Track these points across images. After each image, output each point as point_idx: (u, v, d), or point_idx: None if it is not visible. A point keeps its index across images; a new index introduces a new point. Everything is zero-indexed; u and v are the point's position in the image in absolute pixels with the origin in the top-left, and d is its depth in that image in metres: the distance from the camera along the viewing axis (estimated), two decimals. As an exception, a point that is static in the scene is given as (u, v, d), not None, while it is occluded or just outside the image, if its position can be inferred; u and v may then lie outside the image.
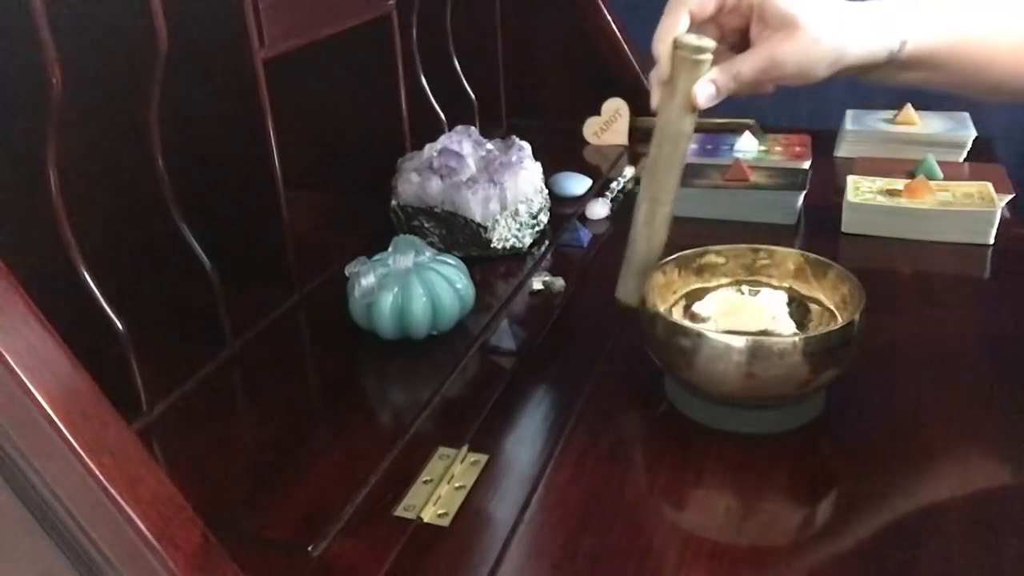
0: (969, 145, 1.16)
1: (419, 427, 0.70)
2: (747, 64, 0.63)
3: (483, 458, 0.66)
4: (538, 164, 1.02)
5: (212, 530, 0.50)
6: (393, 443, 0.67)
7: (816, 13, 0.61)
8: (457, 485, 0.63)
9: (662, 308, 0.71)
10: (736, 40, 0.66)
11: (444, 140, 0.99)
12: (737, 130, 1.24)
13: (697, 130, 1.30)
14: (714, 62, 0.63)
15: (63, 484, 0.46)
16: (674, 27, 0.63)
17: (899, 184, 1.01)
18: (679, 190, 0.69)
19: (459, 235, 0.96)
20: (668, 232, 0.71)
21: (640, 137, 1.33)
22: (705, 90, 0.63)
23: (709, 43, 0.63)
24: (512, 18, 1.34)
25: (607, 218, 1.08)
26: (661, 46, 0.64)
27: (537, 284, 0.91)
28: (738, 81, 0.63)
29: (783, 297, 0.75)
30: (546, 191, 1.03)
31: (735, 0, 0.63)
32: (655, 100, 0.66)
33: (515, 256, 0.98)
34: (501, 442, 0.68)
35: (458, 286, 0.81)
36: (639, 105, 1.33)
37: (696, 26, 0.64)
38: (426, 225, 0.97)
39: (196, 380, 0.76)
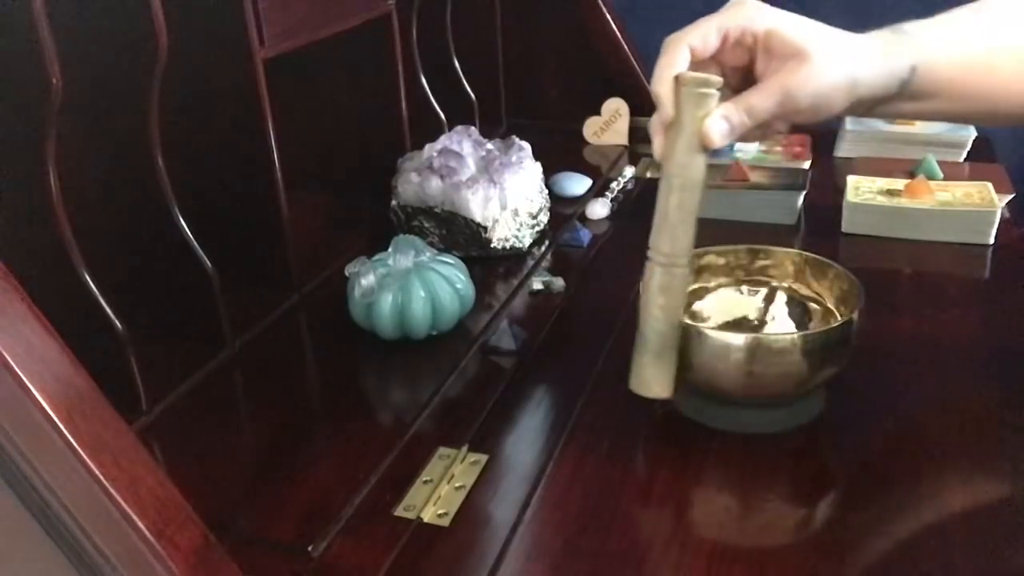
0: (969, 145, 1.16)
1: (419, 427, 0.70)
2: (760, 97, 0.58)
3: (483, 458, 0.66)
4: (538, 164, 1.02)
5: (212, 530, 0.50)
6: (393, 443, 0.67)
7: (826, 41, 0.58)
8: (457, 485, 0.63)
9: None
10: (738, 81, 0.61)
11: (444, 140, 0.99)
12: (737, 130, 1.24)
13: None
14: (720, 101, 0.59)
15: (63, 484, 0.46)
16: (674, 65, 0.59)
17: (899, 184, 1.01)
18: (694, 248, 0.62)
19: (459, 235, 0.96)
20: (686, 300, 0.63)
21: (640, 137, 1.34)
22: (718, 126, 0.58)
23: (715, 79, 0.58)
24: (512, 18, 1.34)
25: (607, 218, 1.08)
26: (662, 86, 0.59)
27: (537, 284, 0.91)
28: (752, 116, 0.58)
29: (782, 297, 0.75)
30: (546, 191, 1.03)
31: (739, 33, 0.59)
32: (658, 148, 0.61)
33: (515, 256, 0.98)
34: (501, 442, 0.68)
35: (458, 286, 0.81)
36: (639, 105, 1.34)
37: (696, 65, 0.59)
38: (426, 225, 0.97)
39: (196, 380, 0.76)
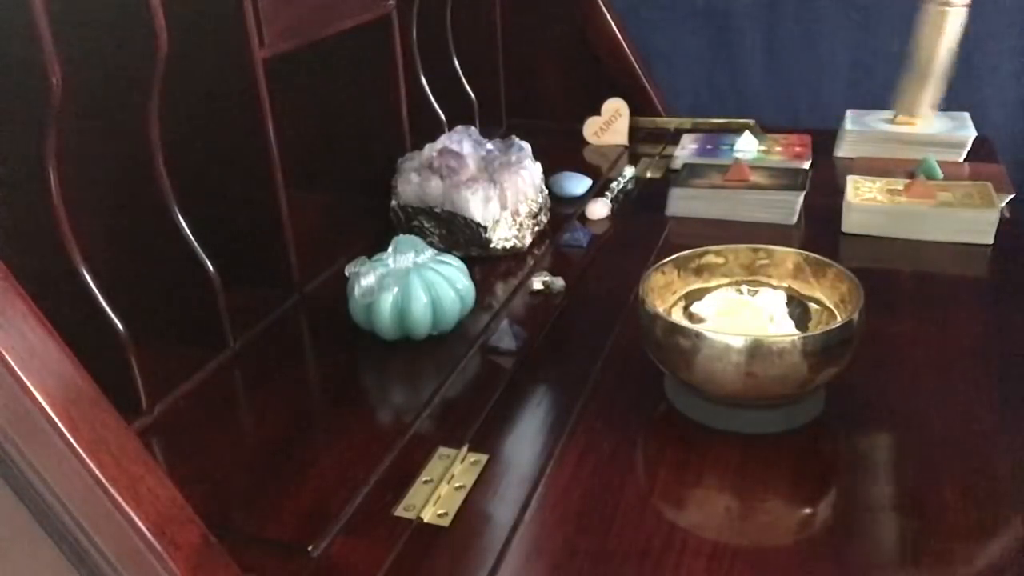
0: (969, 145, 1.16)
1: (419, 427, 0.70)
2: None
3: (483, 458, 0.66)
4: (538, 164, 1.02)
5: (212, 530, 0.50)
6: (393, 443, 0.67)
7: None
8: (457, 485, 0.63)
9: (661, 308, 0.71)
10: None
11: (444, 140, 0.99)
12: (737, 130, 1.24)
13: (697, 130, 1.32)
14: None
15: (63, 484, 0.46)
16: None
17: (899, 184, 1.01)
18: None
19: (459, 235, 0.96)
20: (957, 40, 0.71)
21: (640, 137, 1.34)
22: None
23: None
24: (512, 18, 1.34)
25: (607, 218, 1.08)
26: None
27: (537, 284, 0.91)
28: None
29: (782, 297, 0.75)
30: (546, 191, 1.03)
31: None
32: None
33: (515, 256, 0.98)
34: (501, 442, 0.68)
35: (458, 286, 0.81)
36: (639, 105, 1.34)
37: None
38: (426, 225, 0.97)
39: (196, 380, 0.76)
